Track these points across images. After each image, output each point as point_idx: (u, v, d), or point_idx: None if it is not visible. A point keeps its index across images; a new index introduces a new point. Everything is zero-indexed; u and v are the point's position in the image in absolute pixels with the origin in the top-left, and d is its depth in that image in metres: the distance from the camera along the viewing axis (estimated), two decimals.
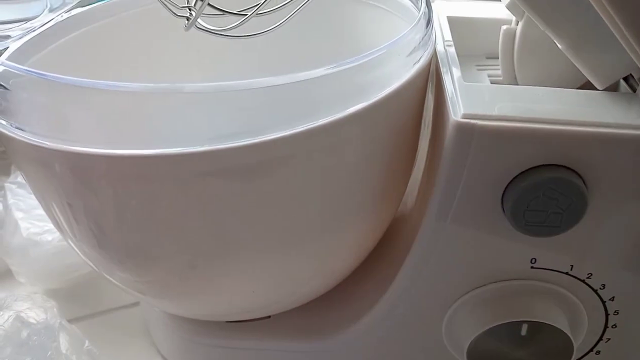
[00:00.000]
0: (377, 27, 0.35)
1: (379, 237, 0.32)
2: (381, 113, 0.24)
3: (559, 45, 0.26)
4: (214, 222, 0.24)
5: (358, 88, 0.23)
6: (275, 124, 0.22)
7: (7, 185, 0.40)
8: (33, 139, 0.23)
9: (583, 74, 0.27)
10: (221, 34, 0.28)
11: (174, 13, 0.29)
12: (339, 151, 0.24)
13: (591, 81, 0.27)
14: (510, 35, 0.30)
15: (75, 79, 0.22)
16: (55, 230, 0.36)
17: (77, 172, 0.23)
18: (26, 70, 0.23)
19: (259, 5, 0.26)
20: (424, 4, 0.27)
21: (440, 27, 0.33)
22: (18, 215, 0.37)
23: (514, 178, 0.25)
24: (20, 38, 0.32)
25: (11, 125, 0.24)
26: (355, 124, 0.23)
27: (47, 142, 0.22)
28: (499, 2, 0.37)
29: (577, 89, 0.28)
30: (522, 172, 0.25)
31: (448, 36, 0.32)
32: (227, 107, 0.22)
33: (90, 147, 0.22)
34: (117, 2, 0.38)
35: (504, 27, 0.30)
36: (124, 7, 0.38)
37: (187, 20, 0.30)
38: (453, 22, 0.35)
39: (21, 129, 0.23)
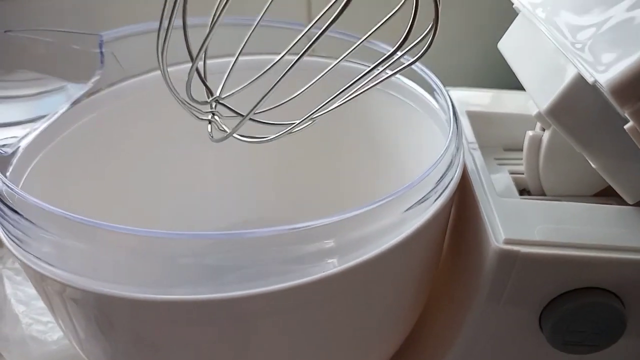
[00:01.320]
0: (399, 120, 0.35)
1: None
2: (419, 241, 0.24)
3: (592, 165, 0.26)
4: None
5: (399, 220, 0.22)
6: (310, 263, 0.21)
7: (4, 272, 0.39)
8: (45, 268, 0.22)
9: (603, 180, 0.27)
10: (251, 141, 0.27)
11: (197, 117, 0.29)
12: (381, 283, 0.23)
13: (622, 196, 0.27)
14: (536, 141, 0.30)
15: (96, 222, 0.21)
16: (58, 329, 0.35)
17: (97, 310, 0.22)
18: (46, 206, 0.22)
19: (294, 125, 0.26)
20: (453, 124, 0.26)
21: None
22: (19, 308, 0.36)
23: (553, 299, 0.25)
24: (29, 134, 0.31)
25: (25, 251, 0.23)
26: (397, 253, 0.23)
27: (59, 273, 0.21)
28: (511, 91, 0.38)
29: (600, 191, 0.29)
30: (562, 294, 0.25)
31: (470, 135, 0.33)
32: (252, 252, 0.21)
33: (112, 288, 0.21)
34: (123, 86, 0.37)
35: (530, 133, 0.30)
36: (130, 91, 0.37)
37: (209, 122, 0.29)
38: (472, 116, 0.35)
39: (38, 258, 0.22)
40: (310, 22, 0.53)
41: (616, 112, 0.22)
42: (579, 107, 0.24)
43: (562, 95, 0.24)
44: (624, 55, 0.20)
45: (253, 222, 0.41)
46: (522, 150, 0.36)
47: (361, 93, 0.25)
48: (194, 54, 0.28)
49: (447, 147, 0.24)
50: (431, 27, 0.24)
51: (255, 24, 0.30)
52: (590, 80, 0.21)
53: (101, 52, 0.36)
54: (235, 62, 0.30)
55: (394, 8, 0.26)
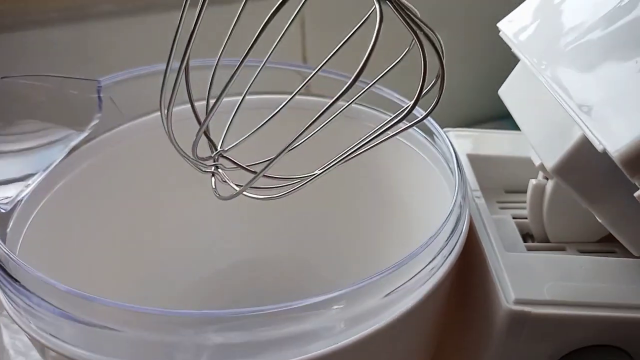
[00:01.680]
0: (402, 163, 0.35)
1: None
2: (428, 305, 0.23)
3: (599, 219, 0.26)
4: None
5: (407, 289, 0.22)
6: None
7: (1, 319, 0.38)
8: (45, 337, 0.21)
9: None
10: (261, 198, 0.26)
11: (200, 170, 0.28)
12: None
13: (628, 249, 0.27)
14: (539, 190, 0.30)
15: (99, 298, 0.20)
16: None
17: None
18: (44, 278, 0.21)
19: (305, 180, 0.26)
20: (459, 180, 0.26)
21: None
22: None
23: (563, 356, 0.25)
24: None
25: (24, 317, 0.22)
26: (405, 321, 0.22)
27: (58, 343, 0.21)
28: (508, 132, 0.38)
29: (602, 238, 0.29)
30: (572, 352, 0.25)
31: (473, 181, 0.33)
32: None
33: None
34: (122, 130, 0.37)
35: (533, 181, 0.30)
36: (129, 134, 0.37)
37: (213, 175, 0.29)
38: (473, 159, 0.35)
39: (38, 327, 0.22)
40: (304, 61, 0.53)
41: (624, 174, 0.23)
42: (586, 167, 0.24)
43: (568, 154, 0.24)
44: (634, 123, 0.20)
45: (254, 261, 0.41)
46: (523, 192, 0.36)
47: (374, 146, 0.24)
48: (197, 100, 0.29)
49: (451, 211, 0.24)
50: (437, 80, 0.25)
51: (261, 66, 0.29)
52: (599, 148, 0.21)
53: (99, 97, 0.35)
54: (236, 112, 0.30)
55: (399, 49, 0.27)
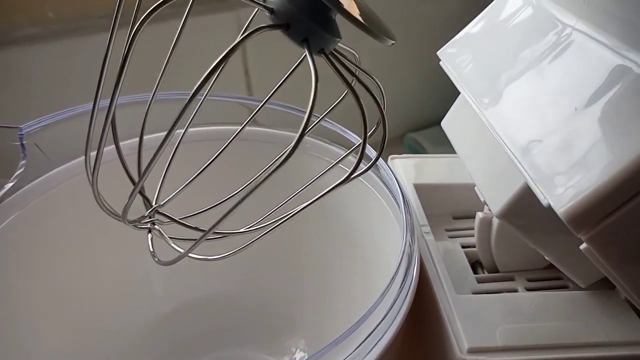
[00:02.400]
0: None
1: None
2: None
3: (545, 257, 0.26)
4: None
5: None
6: None
7: None
8: None
9: None
10: (208, 259, 0.25)
11: (135, 227, 0.27)
12: None
13: (575, 282, 0.27)
14: (486, 224, 0.30)
15: None
16: None
17: None
18: None
19: (255, 238, 0.24)
20: (408, 236, 0.25)
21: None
22: None
23: None
24: None
25: None
26: None
27: None
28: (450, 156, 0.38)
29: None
30: None
31: (421, 214, 0.32)
32: None
33: None
34: (48, 177, 0.34)
35: (480, 215, 0.30)
36: (59, 179, 0.34)
37: (149, 232, 0.27)
38: (419, 188, 0.35)
39: None
40: (250, 93, 0.52)
41: None
42: (530, 212, 0.24)
43: (513, 201, 0.24)
44: (579, 182, 0.19)
45: (210, 297, 0.39)
46: (471, 217, 0.36)
47: (325, 194, 0.23)
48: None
49: (397, 270, 0.23)
50: (378, 126, 0.24)
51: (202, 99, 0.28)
52: (543, 202, 0.20)
53: (22, 145, 0.33)
54: (170, 162, 0.28)
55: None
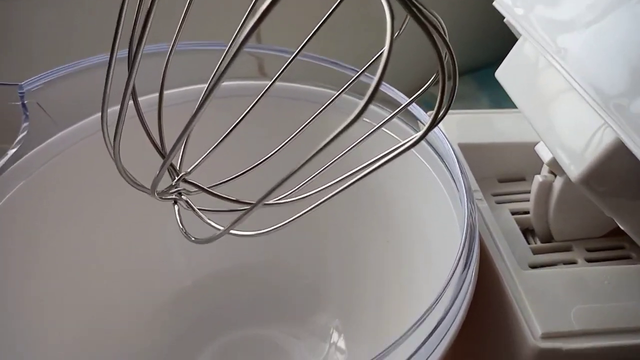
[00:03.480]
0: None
1: None
2: None
3: (621, 227, 0.23)
4: None
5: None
6: None
7: None
8: None
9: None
10: (247, 234, 0.21)
11: (162, 198, 0.23)
12: None
13: None
14: (546, 188, 0.27)
15: None
16: None
17: None
18: None
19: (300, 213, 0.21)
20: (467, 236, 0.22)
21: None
22: None
23: None
24: None
25: None
26: None
27: None
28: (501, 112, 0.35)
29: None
30: None
31: (472, 178, 0.29)
32: None
33: None
34: (53, 142, 0.31)
35: (540, 179, 0.27)
36: (65, 144, 0.31)
37: (175, 202, 0.24)
38: (465, 148, 0.31)
39: None
40: (259, 41, 0.47)
41: None
42: (616, 175, 0.21)
43: (598, 163, 0.20)
44: None
45: (232, 270, 0.37)
46: (517, 180, 0.33)
47: (386, 162, 0.20)
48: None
49: (460, 254, 0.20)
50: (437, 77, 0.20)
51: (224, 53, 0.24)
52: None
53: (23, 105, 0.29)
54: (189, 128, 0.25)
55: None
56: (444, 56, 0.17)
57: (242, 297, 0.35)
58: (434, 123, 0.16)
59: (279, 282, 0.35)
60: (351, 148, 0.22)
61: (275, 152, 0.26)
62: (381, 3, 0.14)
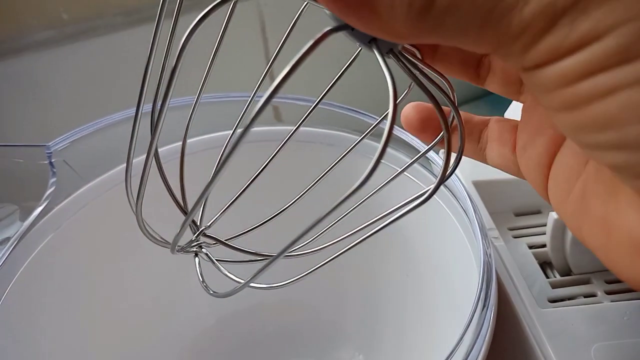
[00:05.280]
0: None
1: None
2: None
3: None
4: None
5: None
6: None
7: None
8: None
9: None
10: (267, 287, 0.22)
11: (183, 249, 0.24)
12: None
13: None
14: (561, 223, 0.27)
15: None
16: None
17: None
18: None
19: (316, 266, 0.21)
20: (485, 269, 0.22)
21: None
22: None
23: None
24: None
25: None
26: None
27: None
28: None
29: None
30: None
31: (486, 216, 0.30)
32: None
33: None
34: (79, 195, 0.32)
35: (555, 216, 0.27)
36: (88, 198, 0.32)
37: (196, 255, 0.25)
38: (478, 185, 0.32)
39: None
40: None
41: None
42: None
43: None
44: None
45: (254, 308, 0.37)
46: (533, 213, 0.33)
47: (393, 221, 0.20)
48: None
49: (478, 297, 0.21)
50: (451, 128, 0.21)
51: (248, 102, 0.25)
52: None
53: (51, 163, 0.31)
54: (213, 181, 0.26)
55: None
56: (450, 119, 0.18)
57: (264, 334, 0.36)
58: (442, 180, 0.17)
59: (301, 318, 0.36)
60: (366, 199, 0.23)
61: (295, 201, 0.26)
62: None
